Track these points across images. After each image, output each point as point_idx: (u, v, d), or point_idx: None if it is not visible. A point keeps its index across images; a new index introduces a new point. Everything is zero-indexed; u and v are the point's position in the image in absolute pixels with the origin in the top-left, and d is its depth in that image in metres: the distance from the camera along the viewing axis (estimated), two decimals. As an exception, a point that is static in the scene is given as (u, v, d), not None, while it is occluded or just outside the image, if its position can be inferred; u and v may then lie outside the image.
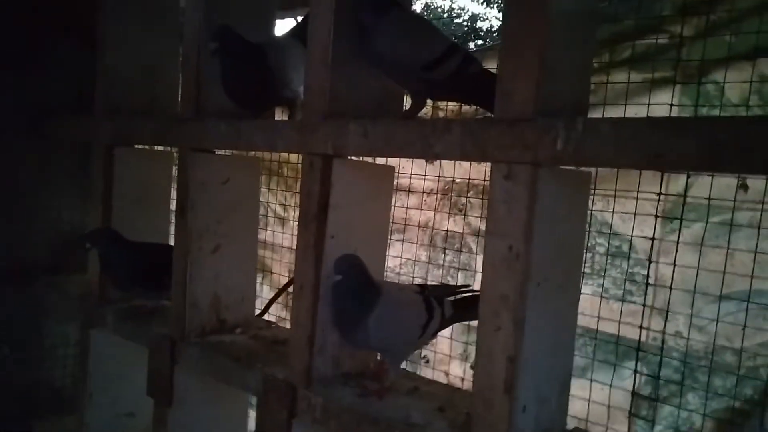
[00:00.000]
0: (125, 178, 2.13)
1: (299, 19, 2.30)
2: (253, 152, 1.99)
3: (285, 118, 1.78)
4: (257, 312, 2.09)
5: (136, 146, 2.19)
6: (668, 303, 1.34)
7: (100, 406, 2.19)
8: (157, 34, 2.23)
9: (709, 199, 1.28)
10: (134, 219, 2.14)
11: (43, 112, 2.39)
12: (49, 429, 2.46)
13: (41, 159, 2.44)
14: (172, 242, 1.95)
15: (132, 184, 2.15)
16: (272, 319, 2.14)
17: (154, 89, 2.23)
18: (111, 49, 2.16)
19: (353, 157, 1.46)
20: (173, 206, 2.00)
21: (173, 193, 2.09)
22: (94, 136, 2.21)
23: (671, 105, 1.34)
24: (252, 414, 2.14)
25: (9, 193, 2.38)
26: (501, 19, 1.09)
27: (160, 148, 2.31)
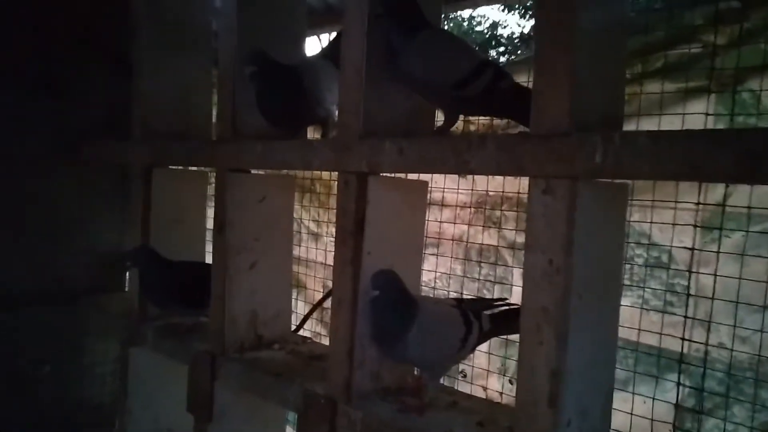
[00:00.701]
0: (162, 199, 2.19)
1: (323, 37, 2.35)
2: (287, 171, 2.02)
3: (317, 136, 1.82)
4: (293, 327, 2.11)
5: (171, 167, 2.25)
6: (710, 314, 1.32)
7: (140, 423, 2.23)
8: (190, 59, 2.29)
9: (749, 207, 1.27)
10: (171, 238, 2.19)
11: (80, 136, 2.46)
12: (90, 446, 2.51)
13: (80, 183, 2.52)
14: (208, 260, 1.99)
15: (169, 204, 2.20)
16: (307, 334, 2.16)
17: (188, 112, 2.29)
18: (146, 74, 2.22)
19: (388, 174, 1.48)
20: (209, 225, 2.04)
21: (208, 212, 2.14)
22: (132, 158, 2.28)
23: (707, 114, 1.33)
24: (289, 430, 2.16)
25: (50, 217, 2.45)
26: (521, 25, 1.10)
27: (195, 168, 2.36)
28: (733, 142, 0.90)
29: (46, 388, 2.47)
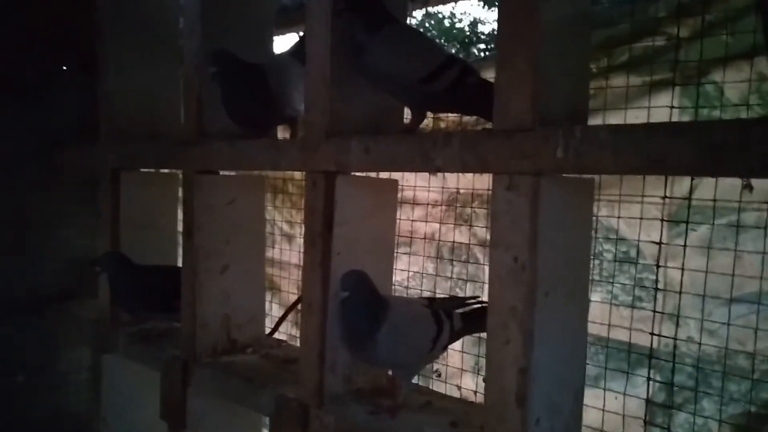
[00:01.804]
0: (131, 202, 2.15)
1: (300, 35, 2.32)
2: (258, 171, 1.99)
3: (287, 136, 1.79)
4: (267, 331, 2.09)
5: (141, 170, 2.21)
6: (678, 308, 1.32)
7: (115, 431, 2.19)
8: (156, 58, 2.25)
9: (715, 200, 1.27)
10: (142, 242, 2.15)
11: (50, 140, 2.42)
12: (65, 455, 2.46)
13: (50, 188, 2.47)
14: (180, 264, 1.96)
15: (138, 207, 2.16)
16: (282, 337, 2.14)
17: (157, 113, 2.25)
18: (112, 74, 2.18)
19: (356, 173, 1.47)
20: (180, 228, 2.01)
21: (180, 215, 2.10)
22: (99, 162, 2.23)
23: (671, 107, 1.33)
24: (266, 433, 2.14)
25: (20, 223, 2.40)
26: None
27: (165, 171, 2.33)
28: (693, 135, 0.89)
29: (19, 398, 2.43)
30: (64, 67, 2.46)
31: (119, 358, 2.11)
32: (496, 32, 1.16)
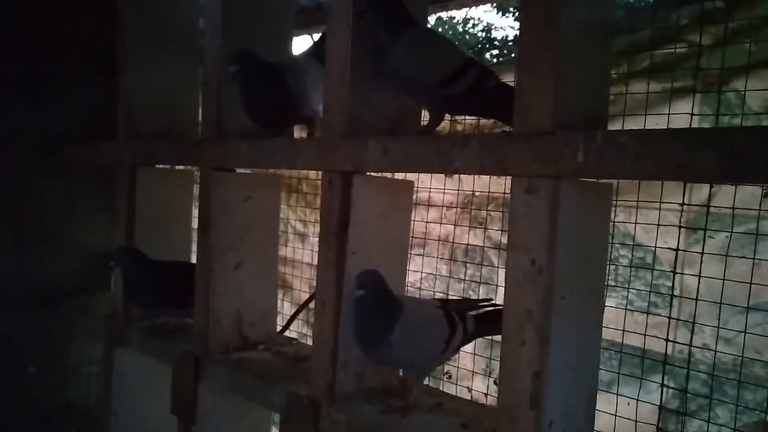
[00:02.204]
0: (147, 199, 2.17)
1: (315, 37, 2.34)
2: (273, 170, 2.01)
3: (304, 136, 1.80)
4: (279, 328, 2.10)
5: (157, 167, 2.23)
6: (694, 315, 1.32)
7: (126, 425, 2.20)
8: (176, 58, 2.27)
9: (734, 208, 1.26)
10: (157, 238, 2.17)
11: (63, 138, 2.45)
12: (75, 448, 2.48)
13: (66, 184, 2.50)
14: (194, 260, 1.98)
15: (154, 204, 2.19)
16: (293, 335, 2.15)
17: (174, 112, 2.27)
18: (131, 73, 2.21)
19: (372, 173, 1.47)
20: (195, 224, 2.03)
21: (195, 212, 2.12)
22: (117, 159, 2.25)
23: (692, 114, 1.33)
24: (274, 430, 2.14)
25: (36, 219, 2.44)
26: (515, 28, 1.09)
27: (181, 168, 2.34)
28: (716, 142, 0.89)
29: (32, 390, 2.45)
30: (83, 66, 2.48)
31: (131, 352, 2.13)
32: (509, 38, 1.16)
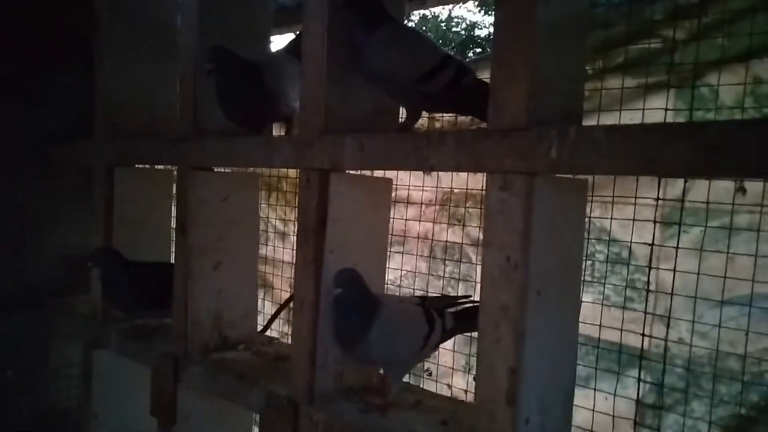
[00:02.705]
0: (126, 198, 2.14)
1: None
2: (251, 168, 1.99)
3: (282, 133, 1.79)
4: (260, 328, 2.08)
5: (135, 166, 2.20)
6: (669, 309, 1.33)
7: (105, 427, 2.18)
8: (154, 56, 2.25)
9: (708, 203, 1.27)
10: (136, 238, 2.15)
11: (47, 138, 2.41)
12: (55, 451, 2.45)
13: (47, 184, 2.47)
14: (173, 261, 1.96)
15: (132, 203, 2.16)
16: (275, 335, 2.13)
17: (153, 110, 2.25)
18: (108, 70, 2.18)
19: (350, 171, 1.46)
20: (174, 224, 2.01)
21: (174, 212, 2.10)
22: (94, 158, 2.23)
23: (666, 110, 1.33)
24: (256, 431, 2.13)
25: (16, 219, 2.40)
26: None
27: (160, 167, 2.32)
28: (690, 136, 0.89)
29: (12, 392, 2.42)
30: (67, 64, 2.44)
31: (111, 354, 2.10)
32: (492, 34, 1.15)
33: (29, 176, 2.41)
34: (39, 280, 2.46)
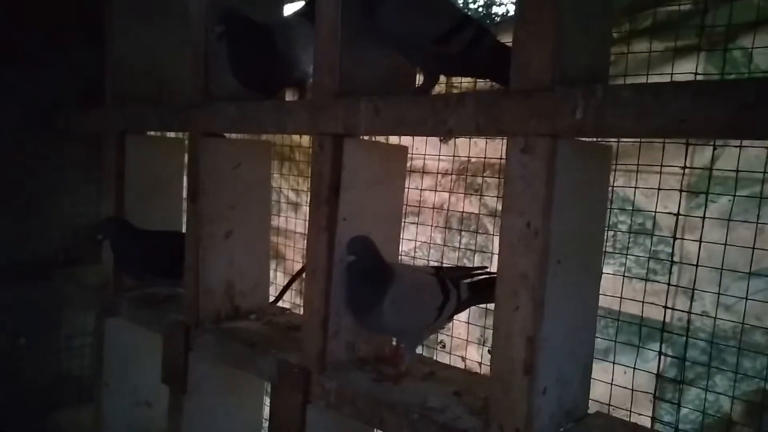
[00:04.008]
0: (137, 166, 2.12)
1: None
2: (264, 136, 1.96)
3: (295, 99, 1.75)
4: (272, 299, 2.07)
5: (147, 133, 2.18)
6: (694, 281, 1.28)
7: (117, 395, 2.19)
8: (163, 21, 2.21)
9: (737, 171, 1.22)
10: (147, 207, 2.14)
11: (53, 106, 2.40)
12: (68, 419, 2.47)
13: (55, 153, 2.45)
14: (184, 230, 1.94)
15: (144, 171, 2.14)
16: (287, 305, 2.12)
17: (163, 76, 2.22)
18: (118, 38, 2.15)
19: (365, 137, 1.43)
20: (185, 193, 1.98)
21: (185, 180, 2.07)
22: (105, 126, 2.20)
23: (695, 74, 1.28)
24: (267, 401, 2.13)
25: (25, 189, 2.39)
26: (515, 3, 1.04)
27: (171, 134, 2.29)
28: (725, 94, 0.85)
29: (23, 362, 2.43)
30: (74, 32, 2.41)
31: (122, 322, 2.10)
32: (509, 14, 1.10)
33: (36, 145, 2.39)
34: (48, 249, 2.46)
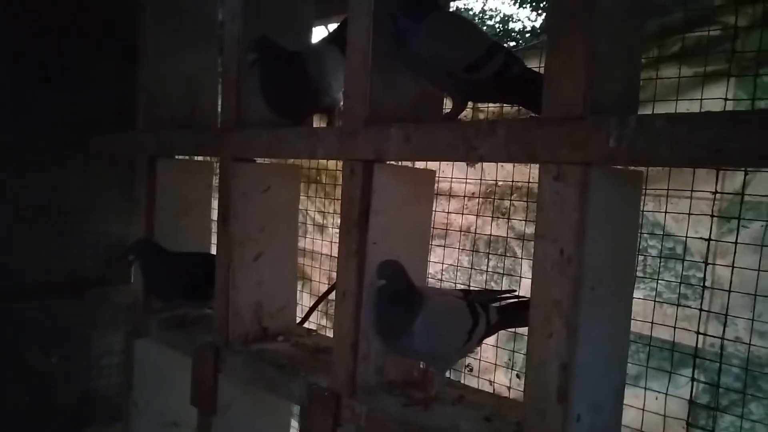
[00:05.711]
0: (167, 189, 2.16)
1: (331, 27, 2.31)
2: (292, 160, 1.99)
3: (324, 125, 1.78)
4: (298, 320, 2.08)
5: (177, 157, 2.23)
6: (727, 307, 1.27)
7: (145, 416, 2.21)
8: (196, 47, 2.26)
9: (770, 196, 1.22)
10: (176, 229, 2.17)
11: (88, 127, 2.45)
12: (95, 438, 2.50)
13: (88, 174, 2.51)
14: (213, 251, 1.97)
15: (174, 194, 2.18)
16: (312, 327, 2.13)
17: (195, 101, 2.27)
18: (152, 62, 2.20)
19: (393, 162, 1.45)
20: (214, 216, 2.02)
21: (214, 203, 2.11)
22: (137, 148, 2.25)
23: (725, 99, 1.28)
24: (294, 423, 2.14)
25: (59, 209, 2.44)
26: (532, 19, 1.05)
27: (201, 158, 2.34)
28: (757, 123, 0.85)
29: (53, 380, 2.47)
30: (110, 54, 2.48)
31: (151, 344, 2.13)
32: (526, 29, 1.12)
33: (71, 165, 2.45)
34: (79, 268, 2.50)
